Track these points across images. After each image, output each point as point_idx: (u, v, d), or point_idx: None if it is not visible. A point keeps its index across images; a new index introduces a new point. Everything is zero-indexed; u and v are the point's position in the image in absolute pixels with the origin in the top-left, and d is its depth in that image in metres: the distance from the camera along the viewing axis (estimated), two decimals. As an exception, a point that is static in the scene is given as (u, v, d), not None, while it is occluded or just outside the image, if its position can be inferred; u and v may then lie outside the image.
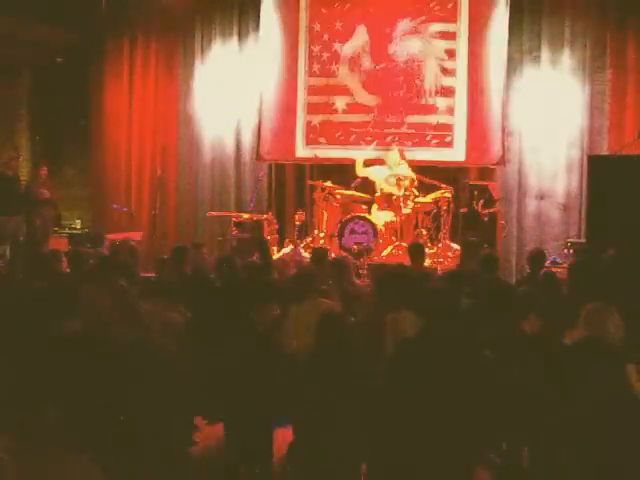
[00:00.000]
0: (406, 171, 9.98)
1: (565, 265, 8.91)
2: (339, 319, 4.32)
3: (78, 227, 11.33)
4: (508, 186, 10.45)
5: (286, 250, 9.93)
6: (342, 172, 10.56)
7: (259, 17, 10.93)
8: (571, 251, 9.14)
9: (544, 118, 10.32)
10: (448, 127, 10.59)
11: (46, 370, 3.29)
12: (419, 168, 10.16)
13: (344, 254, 8.72)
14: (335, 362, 3.96)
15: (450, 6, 10.53)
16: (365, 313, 5.29)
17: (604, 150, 10.06)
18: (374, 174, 10.11)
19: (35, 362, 3.48)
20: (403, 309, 4.88)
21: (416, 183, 10.02)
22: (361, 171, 10.16)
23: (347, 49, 10.77)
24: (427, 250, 9.59)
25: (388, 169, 10.03)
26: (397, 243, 9.67)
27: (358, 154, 10.50)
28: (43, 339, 4.02)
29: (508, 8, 10.30)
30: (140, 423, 3.74)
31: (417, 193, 10.01)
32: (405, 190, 9.81)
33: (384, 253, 9.53)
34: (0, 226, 9.69)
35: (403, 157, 10.15)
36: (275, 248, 9.95)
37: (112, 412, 3.76)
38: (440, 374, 3.69)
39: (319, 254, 7.35)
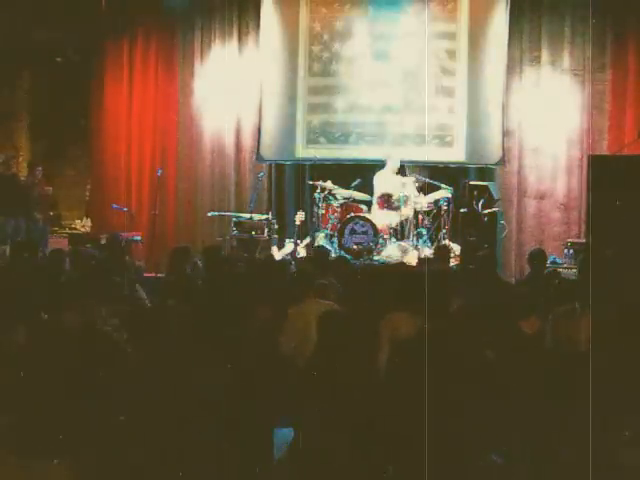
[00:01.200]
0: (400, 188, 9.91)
1: (565, 265, 8.93)
2: (340, 318, 4.31)
3: (78, 227, 11.32)
4: (508, 186, 10.45)
5: (286, 250, 9.94)
6: (342, 172, 10.55)
7: (259, 17, 10.92)
8: (571, 251, 9.14)
9: (544, 118, 10.32)
10: (448, 127, 10.59)
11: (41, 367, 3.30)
12: (419, 168, 10.16)
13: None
14: (335, 360, 3.96)
15: (450, 6, 10.53)
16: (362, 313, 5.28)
17: (604, 150, 10.06)
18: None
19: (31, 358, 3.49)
20: (400, 309, 4.87)
21: (416, 184, 10.03)
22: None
23: (347, 49, 10.77)
24: (427, 250, 9.63)
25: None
26: (397, 243, 9.67)
27: (358, 154, 10.54)
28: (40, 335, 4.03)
29: (508, 8, 10.31)
30: (140, 423, 3.73)
31: (417, 193, 10.01)
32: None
33: (384, 253, 9.53)
34: None
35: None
36: (275, 248, 9.96)
37: (110, 412, 3.75)
38: (439, 374, 3.69)
39: (321, 254, 7.36)
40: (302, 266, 7.38)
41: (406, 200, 9.78)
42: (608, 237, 7.49)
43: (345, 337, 4.17)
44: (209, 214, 10.71)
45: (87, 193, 11.71)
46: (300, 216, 10.13)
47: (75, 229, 11.27)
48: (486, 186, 9.61)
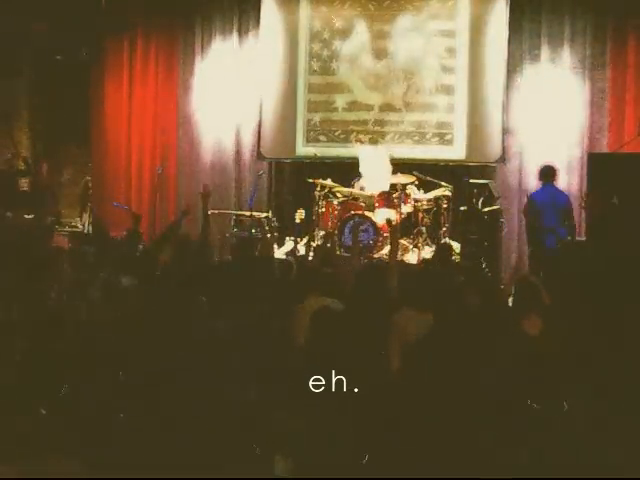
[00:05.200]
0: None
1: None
2: (333, 315, 4.31)
3: (78, 226, 11.32)
4: (508, 184, 10.45)
5: (286, 248, 9.94)
6: (342, 170, 10.56)
7: (259, 15, 10.93)
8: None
9: (544, 116, 10.31)
10: (448, 125, 10.59)
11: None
12: (419, 166, 10.17)
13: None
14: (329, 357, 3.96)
15: (450, 4, 10.53)
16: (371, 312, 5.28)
17: (604, 148, 10.06)
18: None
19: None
20: (406, 307, 4.88)
21: (416, 182, 10.04)
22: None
23: (347, 47, 10.77)
24: (427, 248, 9.64)
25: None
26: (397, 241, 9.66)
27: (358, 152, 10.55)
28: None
29: (508, 6, 10.31)
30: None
31: (417, 191, 10.01)
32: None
33: (384, 251, 9.53)
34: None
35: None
36: (275, 246, 9.97)
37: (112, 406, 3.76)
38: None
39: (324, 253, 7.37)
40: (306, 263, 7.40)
41: (406, 198, 9.78)
42: (607, 236, 7.49)
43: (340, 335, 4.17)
44: (209, 212, 10.69)
45: (79, 192, 11.70)
46: (300, 214, 10.13)
47: (75, 227, 11.28)
48: (486, 184, 9.62)
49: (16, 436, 3.07)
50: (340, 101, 10.85)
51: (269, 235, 9.78)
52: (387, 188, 9.83)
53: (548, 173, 8.69)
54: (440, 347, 3.94)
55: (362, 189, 10.06)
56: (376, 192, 9.81)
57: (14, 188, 10.15)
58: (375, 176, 9.99)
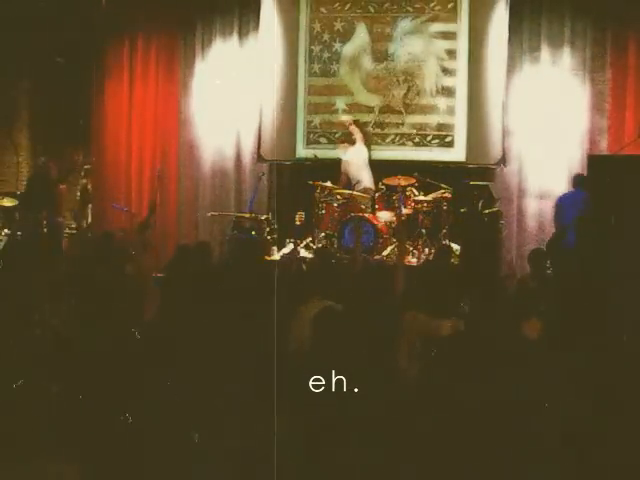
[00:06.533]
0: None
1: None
2: (335, 316, 4.31)
3: (75, 228, 11.30)
4: (508, 186, 10.45)
5: (286, 250, 9.94)
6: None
7: (259, 17, 10.94)
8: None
9: (544, 118, 10.32)
10: (448, 127, 10.60)
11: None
12: (419, 168, 10.17)
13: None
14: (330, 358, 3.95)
15: (451, 6, 10.54)
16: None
17: (604, 150, 10.07)
18: None
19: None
20: (410, 309, 4.88)
21: (416, 184, 10.05)
22: None
23: (347, 49, 10.78)
24: (427, 250, 9.63)
25: None
26: (397, 243, 9.68)
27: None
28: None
29: (508, 8, 10.32)
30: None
31: (417, 193, 10.02)
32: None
33: (384, 253, 9.54)
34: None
35: None
36: (275, 248, 9.97)
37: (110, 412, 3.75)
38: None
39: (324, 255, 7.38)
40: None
41: (406, 200, 9.79)
42: (606, 237, 7.48)
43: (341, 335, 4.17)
44: (209, 214, 10.71)
45: (78, 193, 11.69)
46: (300, 216, 10.13)
47: (74, 229, 11.26)
48: (486, 186, 9.63)
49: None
50: (340, 103, 10.86)
51: (269, 237, 9.79)
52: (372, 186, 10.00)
53: (576, 180, 9.13)
54: (444, 349, 3.93)
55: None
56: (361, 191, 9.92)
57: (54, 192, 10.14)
58: (359, 175, 10.09)
